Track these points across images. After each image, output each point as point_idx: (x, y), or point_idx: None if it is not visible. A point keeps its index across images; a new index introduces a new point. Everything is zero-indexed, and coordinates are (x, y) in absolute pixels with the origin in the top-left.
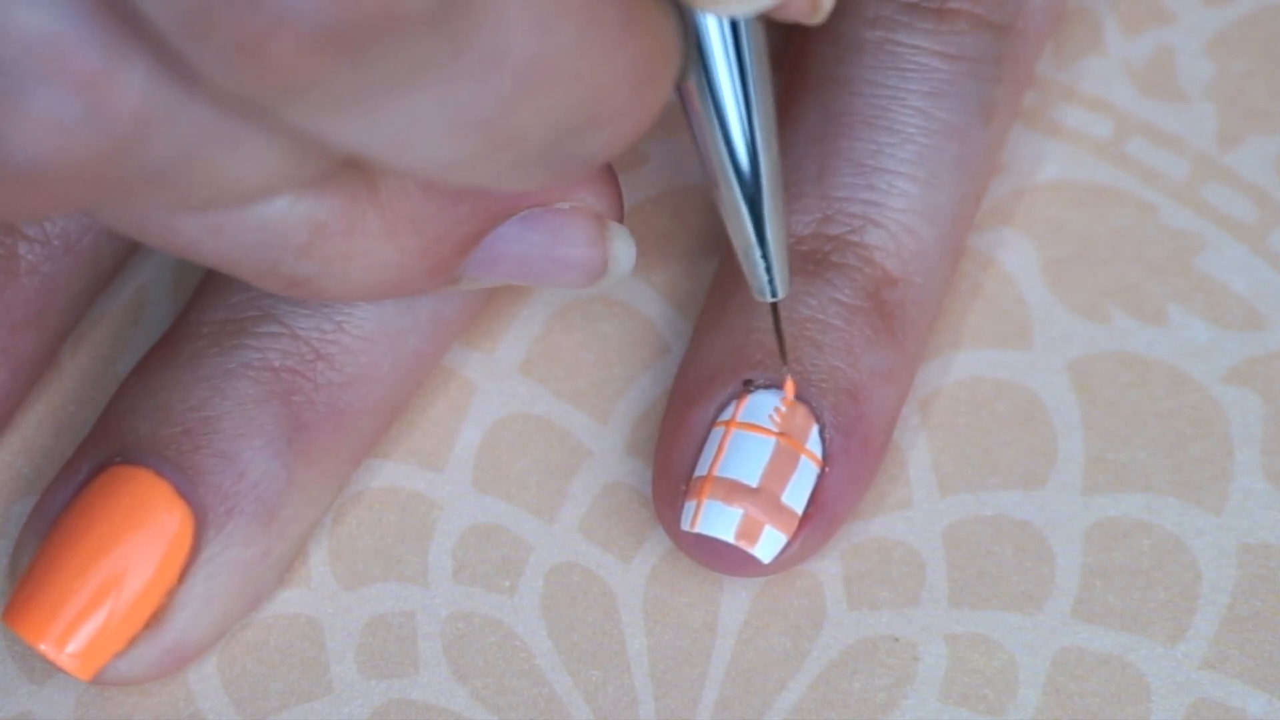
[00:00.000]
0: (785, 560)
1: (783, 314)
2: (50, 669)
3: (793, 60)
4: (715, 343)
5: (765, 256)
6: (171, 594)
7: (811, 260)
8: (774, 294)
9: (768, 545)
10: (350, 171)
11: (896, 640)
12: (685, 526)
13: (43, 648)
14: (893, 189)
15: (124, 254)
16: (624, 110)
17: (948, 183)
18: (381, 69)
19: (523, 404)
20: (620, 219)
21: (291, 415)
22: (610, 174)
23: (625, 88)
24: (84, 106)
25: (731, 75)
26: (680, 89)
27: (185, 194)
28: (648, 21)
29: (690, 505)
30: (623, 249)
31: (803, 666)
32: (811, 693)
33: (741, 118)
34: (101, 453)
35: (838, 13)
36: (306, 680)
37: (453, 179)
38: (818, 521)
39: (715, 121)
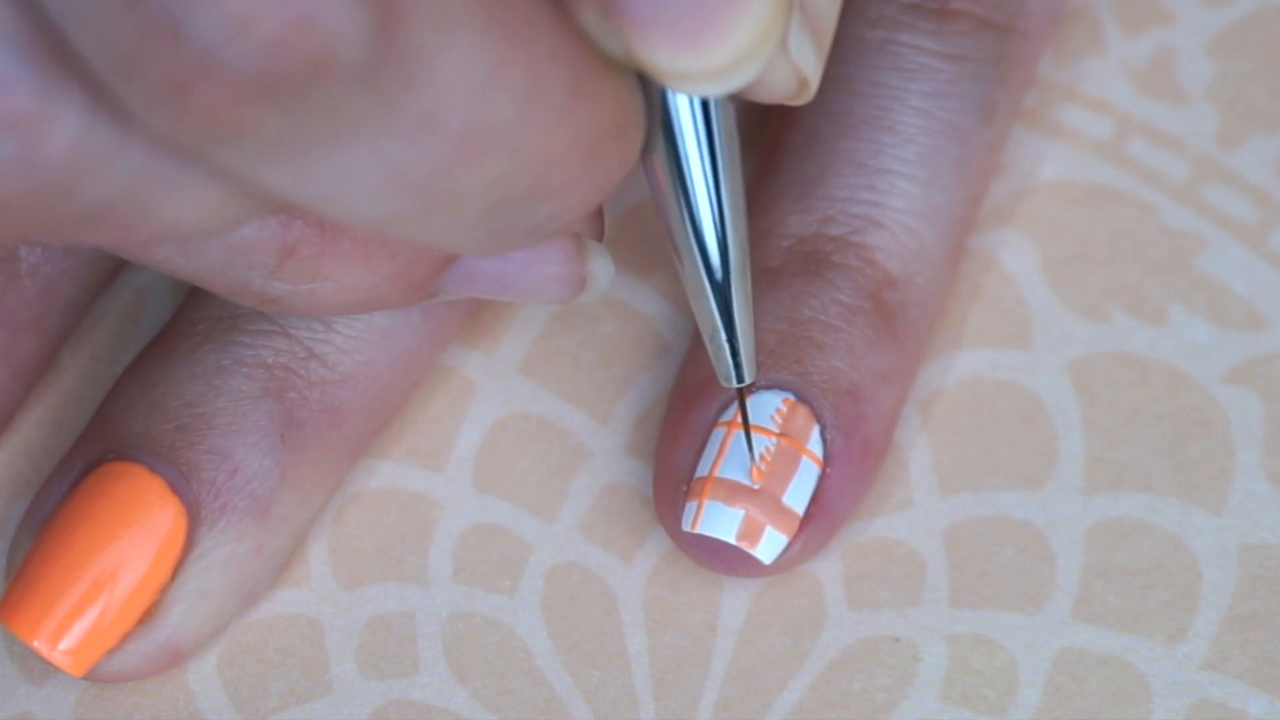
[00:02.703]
0: (786, 561)
1: (784, 314)
2: (49, 669)
3: None
4: None
5: (731, 341)
6: (165, 590)
7: (813, 261)
8: (740, 380)
9: (769, 546)
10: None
11: (897, 640)
12: (686, 527)
13: (36, 644)
14: (894, 189)
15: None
16: (573, 182)
17: (949, 183)
18: (313, 120)
19: (523, 404)
20: (600, 237)
21: (285, 412)
22: None
23: (572, 160)
24: (16, 147)
25: (700, 153)
26: (645, 162)
27: (129, 231)
28: (601, 93)
29: (691, 506)
30: (600, 267)
31: (803, 666)
32: (812, 693)
33: (710, 199)
34: (95, 449)
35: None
36: (306, 680)
37: (391, 236)
38: (818, 522)
39: (681, 200)
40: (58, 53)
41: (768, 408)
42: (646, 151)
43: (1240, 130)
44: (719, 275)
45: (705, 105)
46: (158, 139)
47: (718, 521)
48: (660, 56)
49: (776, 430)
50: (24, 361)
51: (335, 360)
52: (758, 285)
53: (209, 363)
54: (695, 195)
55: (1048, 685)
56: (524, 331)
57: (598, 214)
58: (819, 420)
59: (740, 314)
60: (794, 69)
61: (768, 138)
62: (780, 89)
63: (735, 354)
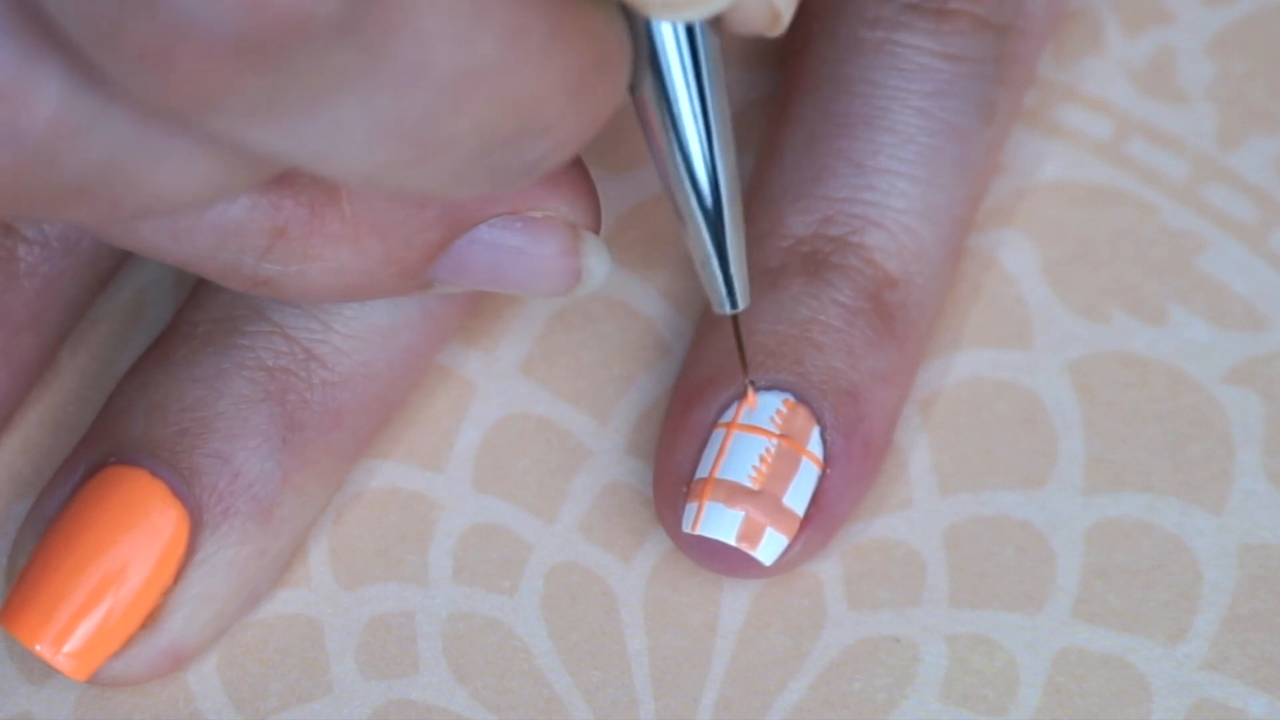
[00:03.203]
0: (786, 562)
1: (784, 315)
2: (49, 670)
3: (792, 60)
4: (716, 343)
5: (724, 268)
6: (167, 594)
7: (812, 261)
8: (734, 305)
9: (769, 547)
10: (309, 175)
11: (897, 640)
12: (686, 528)
13: (38, 649)
14: (893, 189)
15: (123, 255)
16: (561, 119)
17: (948, 183)
18: (296, 79)
19: (523, 404)
20: (596, 230)
21: (286, 415)
22: (587, 184)
23: (560, 97)
24: None
25: (686, 83)
26: (634, 97)
27: (116, 204)
28: (583, 30)
29: (691, 507)
30: (597, 260)
31: (803, 667)
32: (812, 693)
33: (698, 127)
34: (97, 453)
35: (837, 13)
36: (306, 680)
37: (387, 187)
38: (819, 523)
39: (670, 131)
40: (35, 22)
41: (768, 409)
42: (634, 87)
43: (1240, 130)
44: (709, 201)
45: (690, 33)
46: (141, 106)
47: (718, 523)
48: None
49: (777, 431)
50: (23, 361)
51: (335, 361)
52: (757, 286)
53: (209, 366)
54: (683, 123)
55: (1048, 685)
56: (524, 331)
57: (594, 205)
58: (819, 421)
59: (733, 239)
60: (769, 2)
61: (767, 138)
62: (754, 20)
63: (729, 280)
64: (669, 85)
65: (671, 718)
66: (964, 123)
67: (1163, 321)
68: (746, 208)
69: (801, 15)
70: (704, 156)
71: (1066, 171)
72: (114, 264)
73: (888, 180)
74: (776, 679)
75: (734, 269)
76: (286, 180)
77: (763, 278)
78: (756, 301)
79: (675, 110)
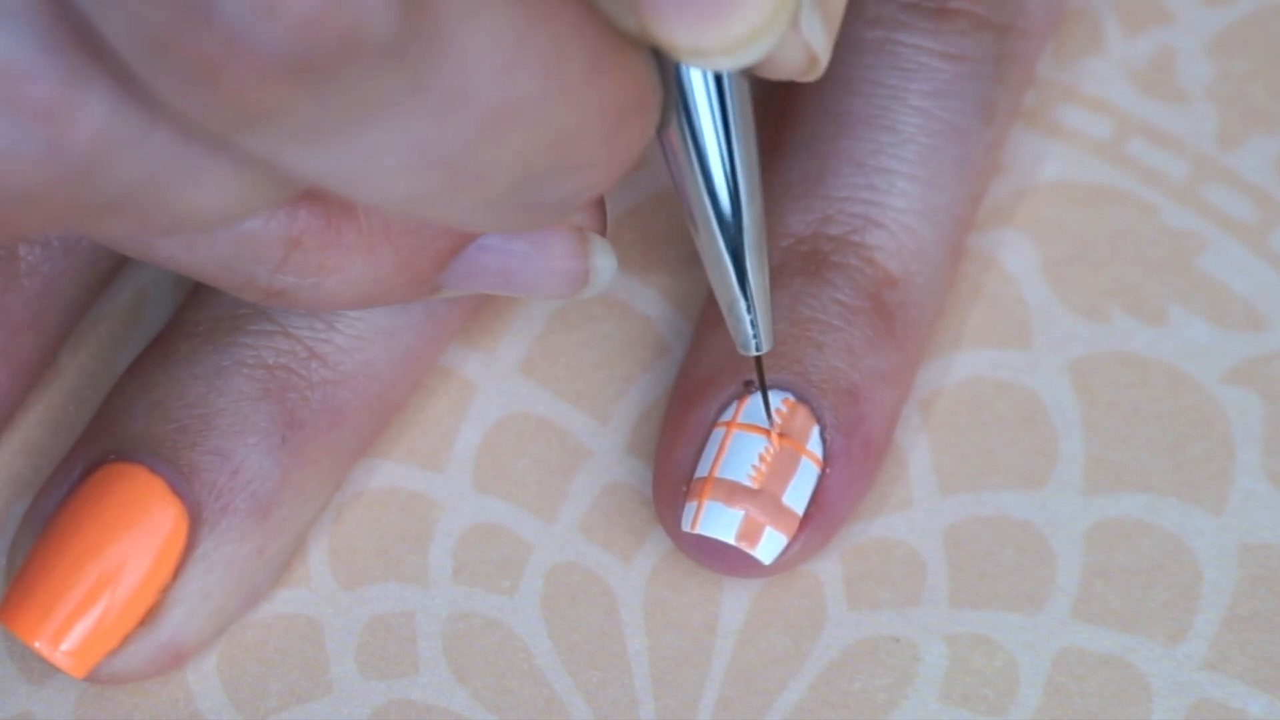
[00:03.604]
0: (786, 561)
1: (784, 314)
2: (49, 669)
3: None
4: (716, 343)
5: (750, 310)
6: (166, 591)
7: (812, 260)
8: (759, 348)
9: (769, 546)
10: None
11: (897, 640)
12: (686, 527)
13: (37, 645)
14: (893, 189)
15: (124, 255)
16: (595, 157)
17: (948, 183)
18: (342, 100)
19: (523, 404)
20: (603, 231)
21: (286, 413)
22: None
23: (595, 135)
24: (41, 136)
25: (715, 127)
26: (661, 138)
27: (148, 221)
28: (620, 68)
29: (691, 506)
30: (604, 262)
31: (803, 667)
32: (812, 693)
33: (725, 170)
34: (96, 450)
35: None
36: (306, 680)
37: (418, 216)
38: (818, 522)
39: (698, 173)
40: (83, 39)
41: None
42: (663, 126)
43: (1240, 130)
44: (736, 244)
45: (720, 80)
46: (183, 125)
47: (717, 522)
48: (674, 32)
49: (776, 431)
50: (23, 361)
51: (336, 360)
52: None
53: (210, 363)
54: (712, 168)
55: (1048, 685)
56: (524, 331)
57: (601, 208)
58: (819, 420)
59: (757, 282)
60: (804, 46)
61: (768, 137)
62: (790, 66)
63: (754, 321)
64: (698, 129)
65: (671, 718)
66: (964, 122)
67: (1163, 321)
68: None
69: None
70: (729, 200)
71: (1066, 171)
72: (114, 264)
73: (888, 180)
74: (776, 679)
75: (759, 309)
76: (303, 192)
77: None
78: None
79: (704, 153)
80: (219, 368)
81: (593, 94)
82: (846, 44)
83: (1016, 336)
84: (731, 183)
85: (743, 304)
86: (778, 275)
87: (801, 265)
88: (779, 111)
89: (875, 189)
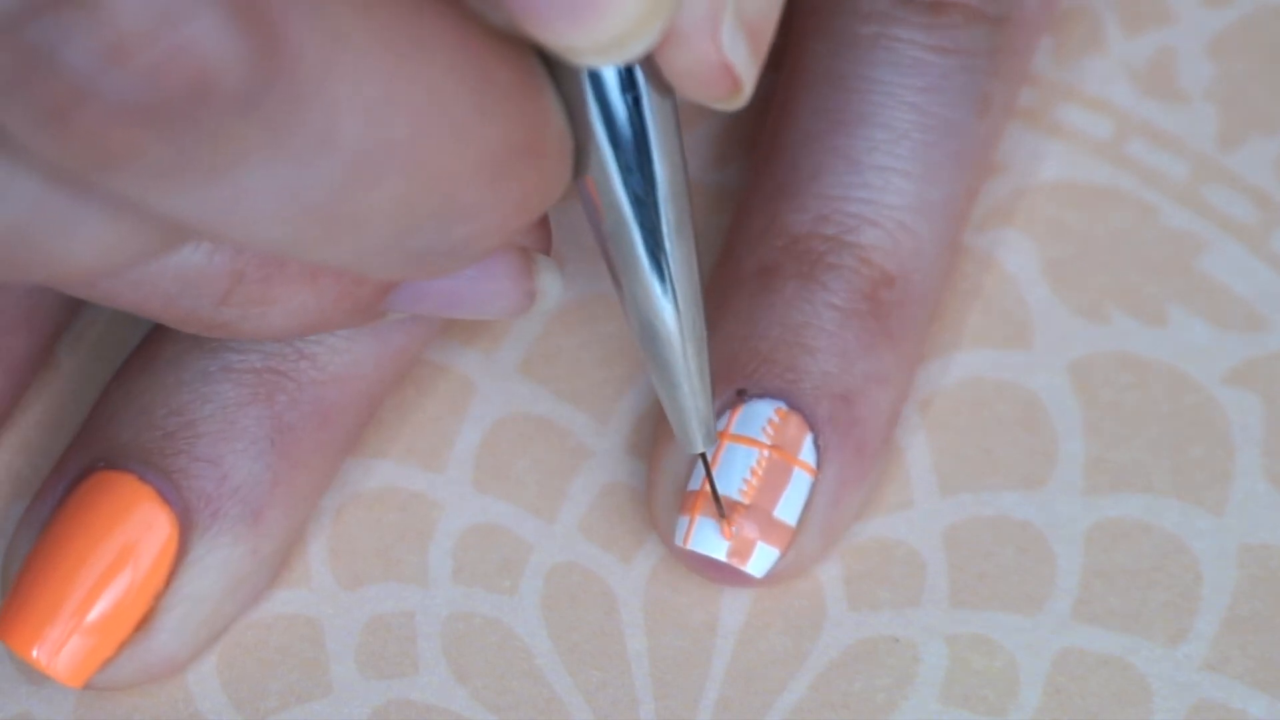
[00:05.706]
0: (784, 571)
1: (777, 319)
2: None
3: (787, 56)
4: (709, 351)
5: (695, 401)
6: (159, 598)
7: (807, 261)
8: (704, 445)
9: (760, 561)
10: None
11: (897, 641)
12: (678, 543)
13: (34, 656)
14: (889, 186)
15: None
16: (482, 204)
17: (944, 178)
18: (200, 145)
19: (523, 404)
20: (548, 251)
21: (274, 416)
22: None
23: (479, 180)
24: None
25: (631, 172)
26: (579, 187)
27: (22, 269)
28: (508, 112)
29: (683, 521)
30: (550, 281)
31: (803, 667)
32: (812, 693)
33: (651, 231)
34: (84, 459)
35: (831, 9)
36: (306, 680)
37: (305, 259)
38: (812, 530)
39: (617, 226)
40: None
41: (759, 418)
42: (579, 172)
43: (1240, 130)
44: (674, 343)
45: (640, 119)
46: (47, 171)
47: (709, 539)
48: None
49: (768, 441)
50: (17, 361)
51: (325, 360)
52: (753, 286)
53: (196, 369)
54: (633, 233)
55: (1048, 686)
56: (524, 331)
57: (544, 228)
58: (811, 427)
59: (696, 375)
60: (726, 67)
61: (761, 136)
62: (712, 88)
63: (697, 414)
64: (610, 177)
65: (671, 718)
66: (958, 117)
67: (1163, 322)
68: (743, 206)
69: (796, 10)
70: (664, 287)
71: (1066, 171)
72: None
73: (883, 177)
74: (776, 679)
75: (702, 404)
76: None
77: (757, 278)
78: (750, 305)
79: (617, 205)
80: (205, 373)
81: (474, 138)
82: (839, 39)
83: (1016, 337)
84: (665, 270)
85: (684, 390)
86: (771, 277)
87: (796, 267)
88: (773, 109)
89: (870, 187)
